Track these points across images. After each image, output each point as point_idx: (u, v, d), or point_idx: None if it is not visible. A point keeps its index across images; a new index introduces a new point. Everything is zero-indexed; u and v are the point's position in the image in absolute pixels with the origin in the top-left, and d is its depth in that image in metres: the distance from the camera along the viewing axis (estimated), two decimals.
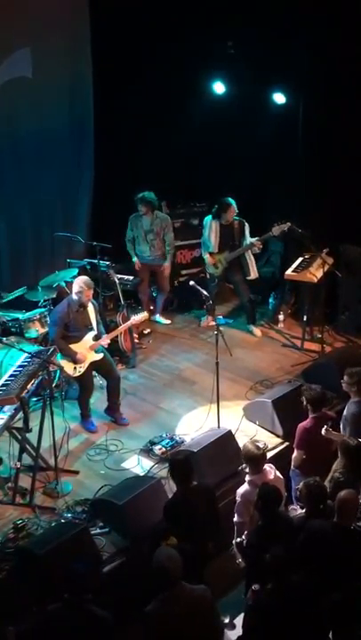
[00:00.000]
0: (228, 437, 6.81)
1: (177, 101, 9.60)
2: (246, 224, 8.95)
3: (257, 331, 9.22)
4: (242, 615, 4.94)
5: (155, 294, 9.74)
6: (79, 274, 8.32)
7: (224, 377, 7.54)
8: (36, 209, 9.37)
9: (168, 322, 9.57)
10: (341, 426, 6.49)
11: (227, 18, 8.98)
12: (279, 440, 7.09)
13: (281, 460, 6.54)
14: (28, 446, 6.48)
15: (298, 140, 9.12)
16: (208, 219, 9.08)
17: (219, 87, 9.67)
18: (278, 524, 5.13)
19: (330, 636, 4.64)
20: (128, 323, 7.75)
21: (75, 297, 7.16)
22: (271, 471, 5.72)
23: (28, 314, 7.94)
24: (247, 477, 5.71)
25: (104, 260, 8.68)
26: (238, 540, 5.53)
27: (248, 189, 9.24)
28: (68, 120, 9.49)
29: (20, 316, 7.91)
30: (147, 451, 7.00)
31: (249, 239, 8.88)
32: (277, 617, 4.49)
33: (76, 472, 6.82)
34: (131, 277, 9.10)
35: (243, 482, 5.76)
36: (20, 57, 8.74)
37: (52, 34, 8.92)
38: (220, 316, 9.14)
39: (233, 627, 5.65)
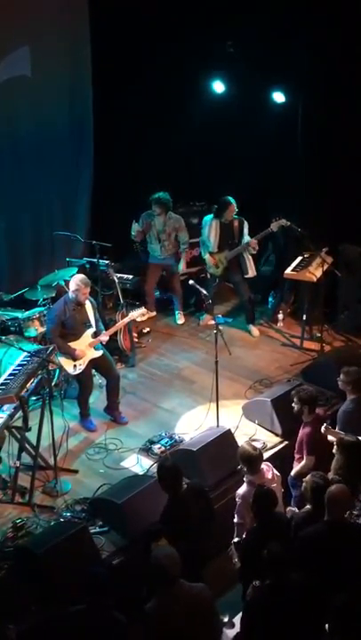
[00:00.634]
0: (228, 436, 6.82)
1: (176, 101, 9.60)
2: (246, 222, 8.95)
3: (255, 330, 9.22)
4: (241, 614, 4.94)
5: (155, 294, 9.74)
6: (78, 273, 8.31)
7: (223, 376, 7.53)
8: (35, 208, 9.38)
9: (183, 321, 9.57)
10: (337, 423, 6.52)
11: (226, 17, 8.98)
12: (278, 439, 7.09)
13: (280, 459, 6.55)
14: (27, 445, 6.49)
15: (298, 139, 9.12)
16: (208, 218, 9.08)
17: (218, 86, 9.66)
18: (274, 526, 5.12)
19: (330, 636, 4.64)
20: (126, 318, 7.74)
21: (71, 295, 7.16)
22: (269, 470, 5.73)
23: (27, 313, 7.94)
24: (245, 478, 5.71)
25: (103, 259, 8.69)
26: (236, 539, 5.53)
27: (248, 189, 9.24)
28: (68, 119, 9.49)
29: (19, 314, 7.91)
30: (146, 450, 7.01)
31: (247, 238, 8.89)
32: (276, 613, 4.50)
33: (76, 471, 6.82)
34: (130, 276, 9.10)
35: (242, 481, 5.77)
36: (19, 56, 8.74)
37: (51, 33, 8.93)
38: (220, 315, 9.15)
39: (232, 625, 5.65)
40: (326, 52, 8.47)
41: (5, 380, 6.35)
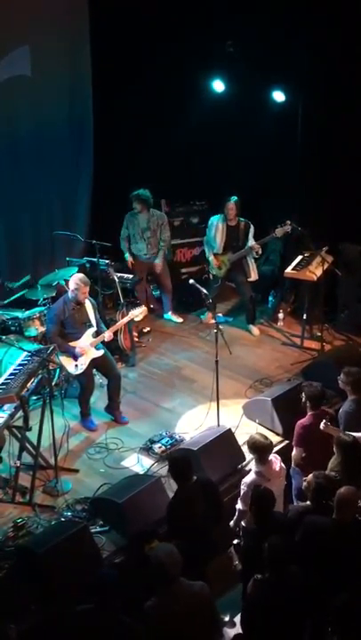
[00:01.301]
0: (228, 436, 6.83)
1: (176, 100, 9.60)
2: (252, 226, 8.95)
3: (256, 330, 9.22)
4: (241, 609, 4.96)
5: (155, 293, 9.74)
6: (78, 272, 8.31)
7: (224, 375, 7.54)
8: (35, 208, 9.38)
9: (180, 320, 9.57)
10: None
11: (226, 17, 8.98)
12: (279, 438, 7.09)
13: (281, 458, 6.54)
14: (27, 445, 6.49)
15: (297, 138, 9.12)
16: (214, 219, 9.08)
17: (218, 86, 9.66)
18: (272, 527, 5.13)
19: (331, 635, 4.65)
20: (127, 317, 7.73)
21: (71, 294, 7.16)
22: (277, 461, 5.81)
23: (27, 312, 7.94)
24: (253, 468, 5.78)
25: (103, 259, 8.69)
26: (236, 541, 5.55)
27: (248, 188, 9.24)
28: (68, 119, 9.49)
29: (19, 314, 7.91)
30: (146, 449, 7.01)
31: (250, 242, 8.90)
32: (277, 606, 4.51)
33: (76, 470, 6.82)
34: (130, 276, 9.10)
35: (241, 482, 5.81)
36: (18, 55, 8.73)
37: (51, 32, 8.92)
38: (220, 315, 9.15)
39: (233, 625, 5.67)
40: (326, 51, 8.47)
41: (6, 379, 6.35)
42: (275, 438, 7.09)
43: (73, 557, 5.40)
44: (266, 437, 5.82)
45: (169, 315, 9.59)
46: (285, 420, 7.00)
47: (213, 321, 7.87)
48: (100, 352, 7.28)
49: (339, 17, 8.31)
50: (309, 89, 8.83)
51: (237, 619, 5.36)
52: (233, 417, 7.37)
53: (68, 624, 4.56)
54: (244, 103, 9.39)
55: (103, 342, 7.32)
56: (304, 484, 5.44)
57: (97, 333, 7.28)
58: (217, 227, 8.99)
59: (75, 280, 7.13)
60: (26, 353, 6.66)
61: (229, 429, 6.91)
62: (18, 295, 8.37)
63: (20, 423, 6.33)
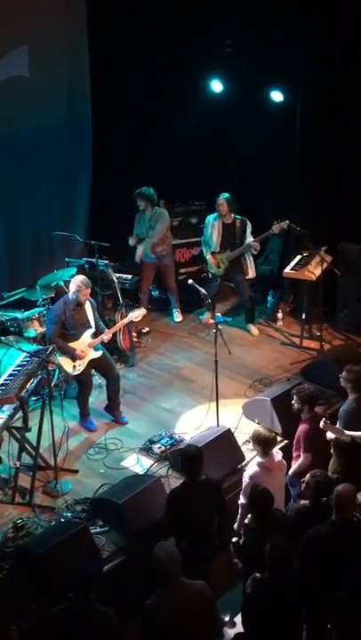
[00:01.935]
0: (228, 436, 6.83)
1: (175, 101, 9.59)
2: (248, 223, 8.95)
3: (255, 330, 9.22)
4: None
5: (154, 293, 9.73)
6: (78, 273, 8.31)
7: (223, 375, 7.54)
8: (34, 208, 9.36)
9: (180, 319, 9.57)
10: (337, 422, 6.51)
11: (225, 17, 8.98)
12: (278, 438, 7.08)
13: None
14: (27, 445, 6.49)
15: (296, 138, 9.11)
16: (210, 217, 9.08)
17: (217, 86, 9.66)
18: (272, 526, 5.13)
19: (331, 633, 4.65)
20: (126, 319, 7.74)
21: (72, 296, 7.16)
22: (278, 455, 5.85)
23: (26, 313, 7.92)
24: (256, 460, 5.82)
25: (102, 259, 8.68)
26: (234, 539, 5.56)
27: (247, 188, 9.25)
28: (67, 119, 9.47)
29: (18, 315, 7.90)
30: (146, 449, 7.01)
31: (249, 239, 8.89)
32: (276, 605, 4.51)
33: (76, 471, 6.82)
34: (129, 276, 9.08)
35: (241, 482, 5.81)
36: (17, 55, 8.72)
37: (49, 32, 8.91)
38: (219, 314, 9.15)
39: (233, 625, 5.67)
40: (326, 51, 8.47)
41: (5, 380, 6.35)
42: None
43: (73, 558, 5.39)
44: (270, 430, 5.89)
45: (175, 314, 9.58)
46: (285, 419, 6.99)
47: (212, 321, 7.87)
48: (99, 353, 7.28)
49: (338, 17, 8.31)
50: (308, 88, 8.82)
51: (237, 619, 5.36)
52: (232, 417, 7.37)
53: (51, 626, 4.56)
54: (243, 103, 9.39)
55: (102, 342, 7.32)
56: (303, 484, 5.43)
57: (95, 334, 7.28)
58: (213, 225, 8.99)
59: (76, 282, 7.13)
60: (25, 354, 6.66)
61: (229, 429, 6.91)
62: (17, 296, 8.37)
63: (19, 424, 6.32)
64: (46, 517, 6.16)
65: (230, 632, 5.54)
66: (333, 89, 8.66)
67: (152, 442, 7.04)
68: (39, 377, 6.52)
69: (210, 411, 7.19)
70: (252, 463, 6.07)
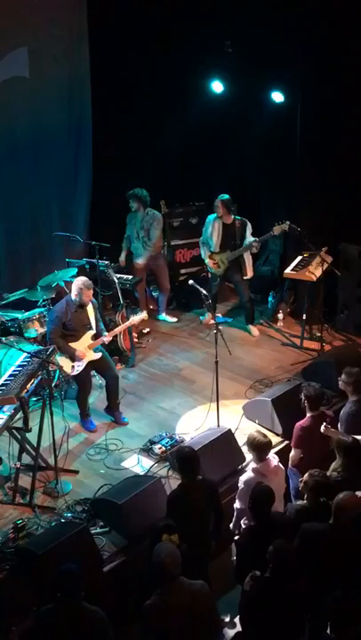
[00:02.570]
0: (228, 436, 6.83)
1: (176, 101, 9.60)
2: (248, 223, 8.95)
3: (255, 330, 9.22)
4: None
5: (154, 293, 9.74)
6: (78, 273, 8.32)
7: (223, 376, 7.54)
8: (34, 209, 9.36)
9: (174, 320, 9.57)
10: (339, 425, 6.50)
11: (225, 17, 8.97)
12: (279, 439, 7.09)
13: (280, 459, 6.54)
14: (27, 446, 6.49)
15: (297, 139, 9.11)
16: (210, 218, 9.08)
17: (217, 86, 9.66)
18: (270, 525, 5.13)
19: (330, 632, 4.65)
20: (127, 323, 7.74)
21: (74, 297, 7.16)
22: (274, 460, 5.81)
23: (27, 314, 7.93)
24: (251, 465, 5.79)
25: (103, 260, 8.68)
26: (236, 537, 5.55)
27: (247, 188, 9.25)
28: (67, 120, 9.47)
29: (19, 315, 7.91)
30: (146, 450, 7.01)
31: (249, 239, 8.89)
32: (275, 604, 4.51)
33: (76, 471, 6.82)
34: (130, 277, 9.09)
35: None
36: (17, 56, 8.72)
37: (49, 33, 8.91)
38: (220, 315, 9.15)
39: (233, 625, 5.66)
40: (326, 52, 8.46)
41: (5, 380, 6.36)
42: (274, 439, 7.09)
43: (73, 558, 5.38)
44: (265, 435, 5.81)
45: (162, 315, 9.59)
46: (285, 420, 6.99)
47: (213, 321, 7.87)
48: (99, 354, 7.29)
49: (338, 17, 8.30)
50: (309, 90, 8.82)
51: (238, 619, 5.35)
52: (233, 417, 7.37)
53: (37, 626, 4.57)
54: (243, 104, 9.39)
55: (102, 343, 7.32)
56: (301, 483, 5.42)
57: (96, 335, 7.28)
58: (213, 225, 8.99)
59: (78, 284, 7.13)
60: (25, 354, 6.66)
61: (229, 430, 6.91)
62: (17, 297, 8.37)
63: (19, 424, 6.32)
64: (47, 518, 6.16)
65: (230, 632, 5.54)
66: (334, 90, 8.65)
67: (152, 442, 7.04)
68: (39, 377, 6.52)
69: (210, 411, 7.19)
70: (247, 468, 6.04)
